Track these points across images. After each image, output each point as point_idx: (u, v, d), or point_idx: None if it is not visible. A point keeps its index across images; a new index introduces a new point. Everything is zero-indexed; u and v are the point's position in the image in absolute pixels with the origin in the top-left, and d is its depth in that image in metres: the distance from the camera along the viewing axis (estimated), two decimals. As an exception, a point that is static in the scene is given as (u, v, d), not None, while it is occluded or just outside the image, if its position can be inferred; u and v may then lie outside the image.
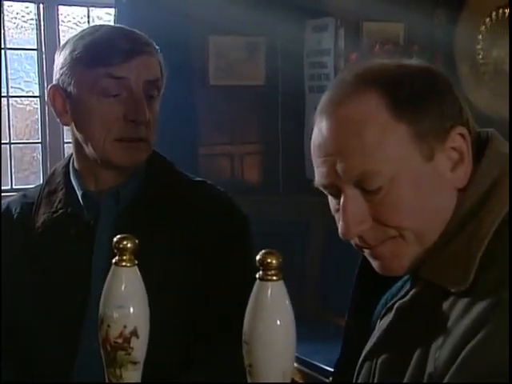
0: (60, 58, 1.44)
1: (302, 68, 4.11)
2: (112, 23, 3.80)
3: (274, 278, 0.82)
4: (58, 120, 1.47)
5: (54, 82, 1.46)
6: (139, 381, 0.89)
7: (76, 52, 1.41)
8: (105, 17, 3.96)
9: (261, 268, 0.82)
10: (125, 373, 0.88)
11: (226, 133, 4.13)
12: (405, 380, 1.04)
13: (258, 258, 0.82)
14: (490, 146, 1.06)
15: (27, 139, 3.94)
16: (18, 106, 3.86)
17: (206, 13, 3.83)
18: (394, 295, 1.11)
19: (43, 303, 1.44)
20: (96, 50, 1.40)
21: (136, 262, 0.89)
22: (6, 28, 3.77)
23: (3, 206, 1.54)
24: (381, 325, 1.11)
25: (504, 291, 0.93)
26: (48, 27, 3.84)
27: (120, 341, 0.87)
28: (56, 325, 1.42)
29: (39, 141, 3.89)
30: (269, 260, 0.82)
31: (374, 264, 1.09)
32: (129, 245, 0.88)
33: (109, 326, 0.87)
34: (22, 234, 1.48)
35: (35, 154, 3.92)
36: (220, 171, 4.10)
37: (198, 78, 3.97)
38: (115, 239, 0.89)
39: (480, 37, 4.15)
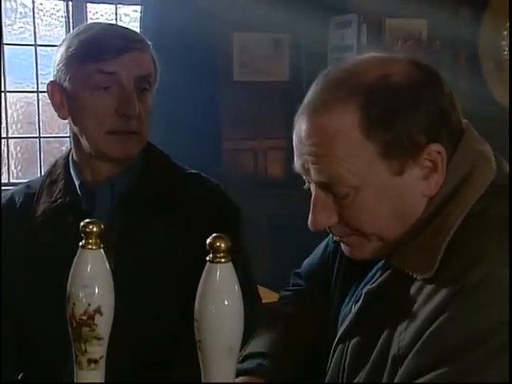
0: (57, 55, 1.51)
1: (325, 64, 4.14)
2: (139, 21, 3.89)
3: (223, 260, 0.88)
4: (57, 114, 1.54)
5: (52, 78, 1.53)
6: (103, 355, 0.96)
7: (71, 49, 1.48)
8: (132, 14, 4.04)
9: (211, 251, 0.88)
10: (89, 348, 0.95)
11: (249, 128, 4.19)
12: (370, 362, 1.10)
13: (207, 241, 0.88)
14: (462, 141, 1.10)
15: (56, 133, 4.05)
16: (47, 100, 3.95)
17: (230, 10, 3.89)
18: (368, 282, 1.17)
19: (41, 290, 1.51)
20: (89, 47, 1.47)
21: (101, 245, 0.95)
22: (35, 25, 3.88)
23: (7, 196, 1.61)
24: (353, 310, 1.16)
25: (465, 280, 0.97)
26: (77, 24, 3.92)
27: (84, 318, 0.93)
28: (53, 310, 1.49)
29: (67, 135, 3.99)
30: (218, 243, 0.88)
31: (343, 247, 1.17)
32: (95, 229, 0.94)
33: (74, 303, 0.93)
34: (24, 222, 1.55)
35: (64, 148, 4.03)
36: (243, 166, 4.16)
37: (222, 74, 4.03)
38: (82, 223, 0.95)
39: (505, 33, 4.13)
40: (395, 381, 1.02)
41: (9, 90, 3.87)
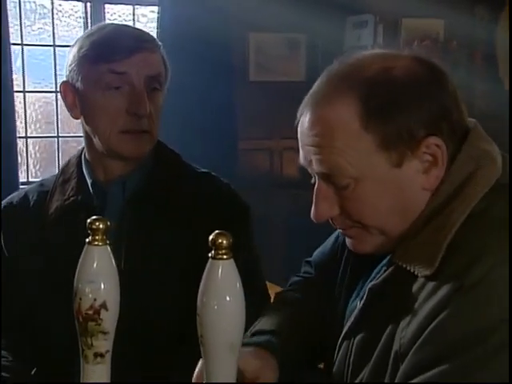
0: (70, 56, 1.53)
1: (341, 64, 4.15)
2: (156, 21, 3.92)
3: (225, 256, 0.90)
4: (69, 114, 1.57)
5: (64, 79, 1.55)
6: (109, 349, 0.98)
7: (82, 50, 1.50)
8: (149, 15, 4.07)
9: (213, 248, 0.90)
10: (95, 342, 0.97)
11: (265, 128, 4.21)
12: (373, 358, 1.11)
13: (210, 238, 0.90)
14: (468, 140, 1.11)
15: (74, 133, 4.09)
16: (65, 100, 4.00)
17: (247, 10, 3.91)
18: (373, 278, 1.18)
19: (54, 285, 1.53)
20: (100, 48, 1.49)
21: (107, 241, 0.98)
22: (54, 26, 3.93)
23: (21, 194, 1.64)
24: (358, 306, 1.18)
25: (466, 277, 0.98)
26: (95, 25, 3.97)
27: (90, 312, 0.96)
28: (65, 304, 1.52)
29: (85, 134, 4.03)
30: (220, 240, 0.90)
31: (346, 241, 1.19)
32: (101, 226, 0.97)
33: (81, 298, 0.96)
34: (37, 220, 1.58)
35: (81, 147, 4.06)
36: (259, 165, 4.18)
37: (238, 74, 4.05)
38: (89, 220, 0.97)
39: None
40: (397, 377, 1.04)
41: (28, 90, 3.92)
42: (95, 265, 0.97)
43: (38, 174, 3.99)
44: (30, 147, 3.95)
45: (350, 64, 1.11)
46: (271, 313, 1.37)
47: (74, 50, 1.53)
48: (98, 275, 0.96)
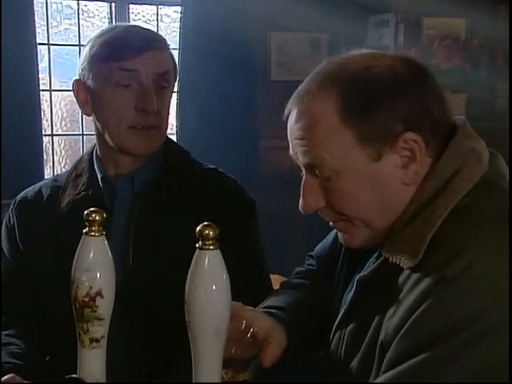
0: (82, 55, 1.59)
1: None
2: (179, 21, 3.97)
3: (211, 247, 0.95)
4: (81, 111, 1.63)
5: (77, 77, 1.61)
6: (104, 335, 1.03)
7: (94, 48, 1.56)
8: (173, 15, 4.13)
9: (200, 239, 0.95)
10: (91, 327, 1.02)
11: (286, 127, 4.22)
12: (361, 349, 1.15)
13: (197, 229, 0.95)
14: (455, 137, 1.15)
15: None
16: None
17: (268, 10, 3.95)
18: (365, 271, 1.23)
19: (65, 275, 1.59)
20: (110, 47, 1.55)
21: (104, 232, 1.03)
22: (80, 26, 4.00)
23: (36, 189, 1.71)
24: (349, 297, 1.22)
25: (446, 270, 1.02)
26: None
27: (87, 299, 1.01)
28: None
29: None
30: (207, 232, 0.95)
31: (338, 235, 1.24)
32: (97, 217, 1.02)
33: (77, 286, 1.01)
34: (50, 214, 1.64)
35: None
36: (279, 163, 4.21)
37: (259, 73, 4.08)
38: (86, 212, 1.02)
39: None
40: (383, 366, 1.07)
41: (54, 88, 3.99)
42: (91, 255, 1.02)
43: (63, 171, 4.05)
44: (56, 145, 4.02)
45: (335, 62, 1.16)
46: (279, 294, 1.44)
47: (86, 49, 1.59)
48: (94, 264, 1.01)
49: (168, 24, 4.15)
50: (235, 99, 3.93)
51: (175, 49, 3.91)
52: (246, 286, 1.50)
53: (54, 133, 4.00)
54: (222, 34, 3.86)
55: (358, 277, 1.18)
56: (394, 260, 1.09)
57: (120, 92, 1.54)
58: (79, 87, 1.60)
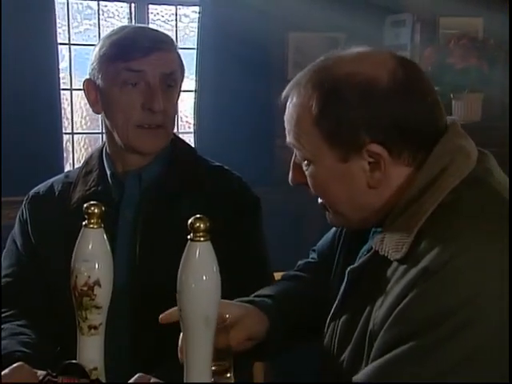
0: (92, 55, 1.65)
1: (380, 63, 4.17)
2: (198, 21, 4.02)
3: (202, 239, 0.99)
4: (92, 109, 1.68)
5: (87, 76, 1.67)
6: (102, 322, 1.08)
7: (103, 49, 1.61)
8: (191, 15, 4.17)
9: (191, 231, 0.99)
10: (90, 315, 1.07)
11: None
12: (353, 340, 1.19)
13: (188, 222, 0.99)
14: (445, 135, 1.19)
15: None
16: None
17: (286, 10, 3.98)
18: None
19: None
20: (119, 47, 1.60)
21: (102, 225, 1.07)
22: (100, 26, 4.07)
23: (48, 185, 1.76)
24: (341, 289, 1.27)
25: (430, 262, 1.06)
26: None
27: (85, 288, 1.06)
28: None
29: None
30: (198, 224, 0.99)
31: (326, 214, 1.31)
32: (96, 210, 1.07)
33: (76, 276, 1.06)
34: (61, 209, 1.70)
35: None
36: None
37: (276, 73, 4.11)
38: (85, 205, 1.07)
39: None
40: (371, 356, 1.11)
41: (74, 87, 4.06)
42: (90, 246, 1.07)
43: (83, 168, 4.12)
44: (76, 143, 4.09)
45: (327, 62, 1.22)
46: (274, 284, 1.52)
47: (96, 49, 1.64)
48: (93, 255, 1.06)
49: (187, 24, 4.19)
50: (252, 98, 3.97)
51: (193, 48, 3.96)
52: (246, 280, 1.54)
53: (74, 131, 4.07)
54: (240, 33, 3.90)
55: (348, 268, 1.22)
56: (382, 252, 1.14)
57: (128, 91, 1.59)
58: (89, 86, 1.66)
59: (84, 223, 1.07)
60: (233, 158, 3.60)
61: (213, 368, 1.07)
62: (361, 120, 1.15)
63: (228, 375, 1.18)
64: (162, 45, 1.62)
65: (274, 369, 1.96)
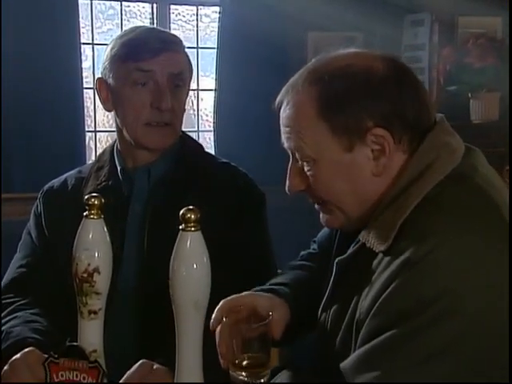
0: (104, 54, 1.72)
1: (399, 62, 4.20)
2: (218, 21, 4.08)
3: (193, 229, 1.05)
4: (103, 107, 1.75)
5: (99, 75, 1.73)
6: (102, 308, 1.15)
7: (114, 49, 1.68)
8: (212, 15, 4.23)
9: (183, 222, 1.05)
10: (90, 301, 1.14)
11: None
12: (341, 330, 1.24)
13: (180, 213, 1.06)
14: (432, 132, 1.24)
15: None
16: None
17: (305, 10, 4.02)
18: None
19: None
20: (129, 48, 1.66)
21: (102, 216, 1.14)
22: (123, 26, 4.15)
23: (61, 180, 1.83)
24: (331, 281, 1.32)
25: (412, 254, 1.10)
26: (160, 25, 4.16)
27: (85, 275, 1.13)
28: None
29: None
30: (189, 215, 1.05)
31: (320, 216, 1.34)
32: (96, 202, 1.13)
33: (77, 264, 1.13)
34: (74, 203, 1.76)
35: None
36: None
37: (295, 72, 4.15)
38: (86, 197, 1.14)
39: None
40: (357, 345, 1.16)
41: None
42: (90, 235, 1.13)
43: (105, 165, 4.19)
44: (98, 141, 4.17)
45: (322, 60, 1.27)
46: (283, 273, 1.55)
47: (108, 49, 1.71)
48: (93, 244, 1.13)
49: (207, 24, 4.26)
50: (271, 98, 4.02)
51: (213, 48, 4.03)
52: (250, 275, 1.59)
53: (97, 129, 4.15)
54: (260, 33, 3.95)
55: (336, 260, 1.27)
56: (369, 244, 1.19)
57: (137, 90, 1.66)
58: (101, 85, 1.72)
59: (85, 214, 1.13)
60: (250, 156, 3.65)
61: (248, 362, 1.13)
62: (363, 106, 1.19)
63: (265, 370, 1.20)
64: (171, 46, 1.68)
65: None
